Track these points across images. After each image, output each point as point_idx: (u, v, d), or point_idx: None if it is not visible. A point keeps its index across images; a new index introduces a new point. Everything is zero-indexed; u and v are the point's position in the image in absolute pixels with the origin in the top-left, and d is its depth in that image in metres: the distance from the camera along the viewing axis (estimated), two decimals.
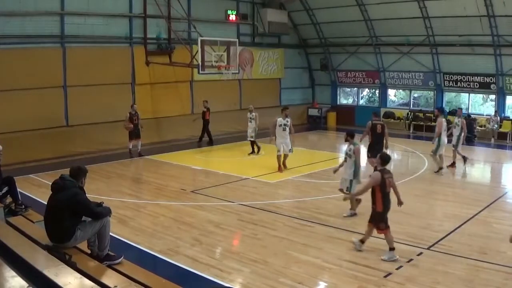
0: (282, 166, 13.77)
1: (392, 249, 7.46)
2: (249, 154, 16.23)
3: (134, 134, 15.75)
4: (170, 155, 16.45)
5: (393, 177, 7.73)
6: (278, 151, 13.65)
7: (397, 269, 7.04)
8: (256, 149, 16.32)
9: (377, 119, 13.02)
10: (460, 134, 13.99)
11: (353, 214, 9.56)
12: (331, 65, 25.02)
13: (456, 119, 14.31)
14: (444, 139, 13.46)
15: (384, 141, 12.31)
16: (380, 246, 7.95)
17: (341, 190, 9.84)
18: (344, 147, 10.00)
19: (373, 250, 7.79)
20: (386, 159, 7.77)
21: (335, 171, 10.23)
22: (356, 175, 9.57)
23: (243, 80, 22.50)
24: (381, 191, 7.46)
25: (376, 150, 11.54)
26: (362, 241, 7.77)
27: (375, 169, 8.66)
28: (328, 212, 10.01)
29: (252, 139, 16.20)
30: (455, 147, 14.11)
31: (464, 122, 14.31)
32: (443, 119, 13.64)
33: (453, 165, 14.21)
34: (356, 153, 9.37)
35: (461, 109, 15.70)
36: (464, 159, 14.25)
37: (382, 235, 7.58)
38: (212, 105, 18.55)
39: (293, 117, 24.33)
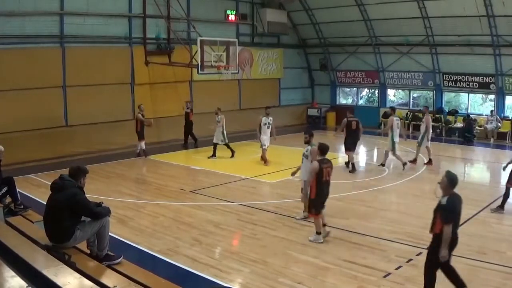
0: (268, 160, 14.59)
1: (318, 233, 8.12)
2: (208, 157, 15.63)
3: (143, 134, 15.77)
4: (169, 155, 16.45)
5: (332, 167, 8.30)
6: (264, 145, 14.54)
7: (396, 269, 7.04)
8: (230, 153, 15.76)
9: (351, 116, 14.27)
10: (425, 132, 14.45)
11: (306, 217, 9.24)
12: (330, 65, 25.03)
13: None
14: (396, 137, 13.90)
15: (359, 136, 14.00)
16: (379, 247, 7.96)
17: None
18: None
19: (372, 250, 7.80)
20: (324, 149, 8.20)
21: (293, 173, 10.11)
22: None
23: (243, 80, 22.50)
24: (317, 180, 7.95)
25: (350, 145, 13.85)
26: (319, 233, 8.18)
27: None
28: (327, 212, 9.96)
29: (221, 143, 15.60)
30: (419, 144, 14.59)
31: (430, 119, 14.83)
32: (394, 118, 14.07)
33: (414, 161, 14.61)
34: (313, 154, 8.97)
35: (426, 107, 16.38)
36: (414, 160, 14.56)
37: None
38: (212, 105, 18.50)
39: (293, 117, 24.54)
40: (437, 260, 5.66)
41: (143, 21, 18.14)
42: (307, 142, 9.45)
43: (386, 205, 10.49)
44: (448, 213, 5.60)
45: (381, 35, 22.20)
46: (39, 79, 15.17)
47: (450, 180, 5.71)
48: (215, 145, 15.75)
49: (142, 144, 15.86)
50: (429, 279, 5.85)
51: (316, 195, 8.03)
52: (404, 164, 13.76)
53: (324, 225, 8.35)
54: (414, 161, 14.60)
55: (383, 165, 14.28)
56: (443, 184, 5.74)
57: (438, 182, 5.83)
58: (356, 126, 13.91)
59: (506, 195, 9.97)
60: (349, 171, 13.77)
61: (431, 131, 14.80)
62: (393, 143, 13.82)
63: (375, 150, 17.09)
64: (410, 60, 22.07)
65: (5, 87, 14.37)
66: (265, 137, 14.64)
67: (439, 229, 5.63)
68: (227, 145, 15.76)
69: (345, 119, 14.19)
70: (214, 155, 15.73)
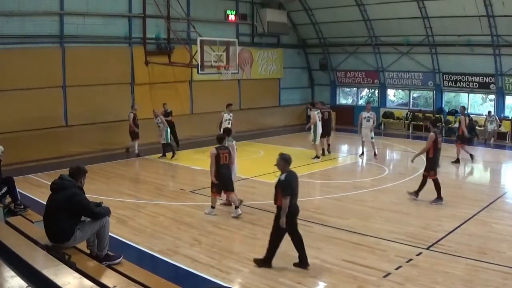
0: None
1: (213, 207, 9.67)
2: (159, 157, 15.91)
3: (136, 134, 15.84)
4: (169, 155, 16.42)
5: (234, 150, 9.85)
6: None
7: (396, 269, 7.04)
8: (170, 154, 15.84)
9: (324, 107, 16.45)
10: (371, 127, 15.85)
11: (239, 215, 9.63)
12: (330, 65, 25.02)
13: (367, 113, 16.06)
14: (319, 129, 15.39)
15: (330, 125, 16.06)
16: (379, 247, 7.96)
17: None
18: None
19: (372, 250, 7.79)
20: (219, 138, 9.74)
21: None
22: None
23: (243, 80, 22.50)
24: (216, 164, 9.38)
25: (325, 132, 15.87)
26: (213, 207, 9.70)
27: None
28: (327, 212, 10.02)
29: (164, 142, 15.79)
30: (371, 138, 15.93)
31: (375, 115, 16.23)
32: (315, 112, 15.48)
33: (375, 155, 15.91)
34: (231, 149, 9.98)
35: (369, 103, 17.95)
36: (366, 152, 16.05)
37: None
38: (212, 105, 18.54)
39: (293, 117, 24.54)
40: (279, 226, 6.82)
41: (143, 21, 18.14)
42: (222, 140, 10.25)
43: (386, 205, 10.48)
44: (285, 187, 6.68)
45: (381, 35, 22.20)
46: (39, 79, 15.18)
47: (285, 160, 6.88)
48: (164, 145, 15.86)
49: (134, 143, 15.93)
50: (274, 240, 7.03)
51: (216, 177, 9.42)
52: (317, 157, 15.35)
53: (241, 201, 9.85)
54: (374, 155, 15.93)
55: (362, 154, 16.02)
56: (279, 165, 6.93)
57: (275, 164, 6.94)
58: (328, 115, 16.13)
59: (422, 183, 10.73)
60: (320, 155, 15.59)
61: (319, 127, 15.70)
62: (315, 135, 15.30)
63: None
64: (410, 60, 22.07)
65: (5, 87, 14.37)
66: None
67: (280, 201, 6.75)
68: (168, 145, 15.88)
69: (318, 110, 15.75)
70: (164, 155, 15.88)
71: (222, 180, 9.48)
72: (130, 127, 15.73)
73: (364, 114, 16.13)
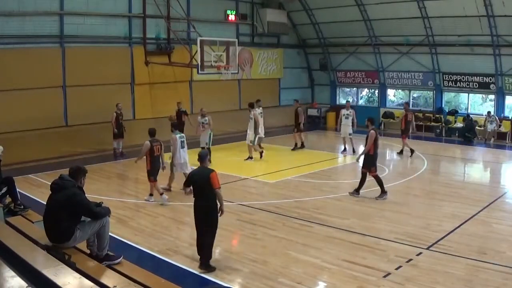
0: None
1: (151, 194, 10.70)
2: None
3: (119, 133, 15.89)
4: (169, 155, 16.39)
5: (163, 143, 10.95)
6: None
7: (396, 269, 7.04)
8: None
9: (299, 104, 18.10)
10: (351, 124, 16.65)
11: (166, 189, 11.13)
12: (330, 65, 25.02)
13: (346, 111, 16.83)
14: (260, 131, 15.75)
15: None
16: (379, 247, 7.96)
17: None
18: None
19: (372, 250, 7.79)
20: (150, 132, 10.85)
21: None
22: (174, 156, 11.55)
23: (243, 80, 22.50)
24: (150, 155, 10.53)
25: (297, 128, 17.54)
26: (151, 194, 10.73)
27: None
28: (327, 212, 10.02)
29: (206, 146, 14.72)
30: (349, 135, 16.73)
31: (354, 113, 16.97)
32: (256, 112, 15.74)
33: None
34: (173, 141, 11.49)
35: (348, 101, 18.61)
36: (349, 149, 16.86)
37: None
38: (212, 105, 18.51)
39: (293, 117, 24.42)
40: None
41: (143, 21, 18.13)
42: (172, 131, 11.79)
43: (386, 205, 10.48)
44: (187, 179, 7.59)
45: (381, 35, 22.19)
46: (39, 79, 15.16)
47: (199, 156, 7.43)
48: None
49: (116, 143, 15.98)
50: None
51: (151, 167, 10.54)
52: (250, 158, 15.37)
53: (168, 189, 11.17)
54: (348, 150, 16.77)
55: (352, 151, 16.60)
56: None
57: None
58: (302, 112, 17.61)
59: (362, 180, 11.02)
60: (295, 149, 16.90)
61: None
62: (255, 136, 15.45)
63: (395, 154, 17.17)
64: (410, 60, 22.06)
65: (5, 87, 14.35)
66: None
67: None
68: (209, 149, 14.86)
69: (299, 108, 17.63)
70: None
71: (155, 170, 10.60)
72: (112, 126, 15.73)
73: (343, 111, 16.95)
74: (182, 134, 12.00)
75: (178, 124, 15.86)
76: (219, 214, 7.12)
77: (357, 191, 11.06)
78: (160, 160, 10.79)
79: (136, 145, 16.09)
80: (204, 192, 7.10)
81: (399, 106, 24.08)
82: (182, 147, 11.71)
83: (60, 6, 15.74)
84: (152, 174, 10.61)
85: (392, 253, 7.64)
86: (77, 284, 4.30)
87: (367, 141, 10.90)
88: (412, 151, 16.06)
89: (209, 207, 7.10)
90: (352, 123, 16.77)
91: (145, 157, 10.62)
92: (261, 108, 16.32)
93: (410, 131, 17.06)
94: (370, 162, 10.93)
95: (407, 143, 16.33)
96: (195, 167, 8.09)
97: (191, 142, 13.83)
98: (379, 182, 10.88)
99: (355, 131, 16.84)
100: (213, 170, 7.21)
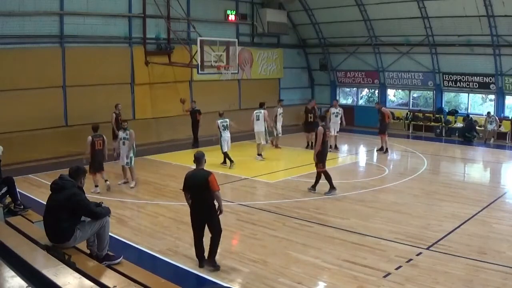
0: None
1: (96, 186, 11.32)
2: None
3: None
4: (169, 155, 16.44)
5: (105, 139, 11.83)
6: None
7: (396, 269, 7.04)
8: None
9: (280, 103, 18.11)
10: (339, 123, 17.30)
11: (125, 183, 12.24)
12: (330, 65, 25.01)
13: (335, 109, 17.44)
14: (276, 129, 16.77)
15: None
16: (379, 247, 7.96)
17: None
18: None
19: (372, 250, 7.79)
20: (93, 128, 11.91)
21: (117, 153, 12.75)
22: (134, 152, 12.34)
23: (242, 80, 22.49)
24: (91, 149, 11.41)
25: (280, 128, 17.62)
26: (96, 186, 11.37)
27: None
28: (327, 212, 10.02)
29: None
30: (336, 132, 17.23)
31: (342, 111, 17.53)
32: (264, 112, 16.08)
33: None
34: (131, 136, 12.21)
35: (336, 100, 19.79)
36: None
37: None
38: (212, 105, 18.52)
39: (292, 117, 24.51)
40: None
41: (143, 21, 18.13)
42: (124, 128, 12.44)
43: (386, 205, 10.48)
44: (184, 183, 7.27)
45: (381, 35, 22.18)
46: (39, 79, 15.17)
47: (195, 158, 7.40)
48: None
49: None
50: None
51: (91, 160, 11.37)
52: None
53: (106, 180, 11.59)
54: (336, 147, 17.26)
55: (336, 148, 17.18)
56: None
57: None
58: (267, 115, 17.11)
59: (317, 178, 11.29)
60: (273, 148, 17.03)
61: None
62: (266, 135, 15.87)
63: (374, 151, 17.11)
64: (410, 60, 22.05)
65: (4, 87, 14.36)
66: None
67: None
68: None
69: (280, 107, 17.74)
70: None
71: (95, 163, 11.36)
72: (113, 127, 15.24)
73: (332, 110, 17.51)
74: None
75: (192, 122, 16.16)
76: (218, 213, 7.08)
77: (313, 187, 11.38)
78: (103, 154, 11.73)
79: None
80: (202, 195, 7.02)
81: (399, 106, 24.13)
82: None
83: (60, 6, 15.74)
84: (92, 166, 11.30)
85: (392, 253, 7.64)
86: (77, 284, 4.30)
87: (316, 138, 11.18)
88: (386, 150, 16.56)
89: (208, 208, 7.05)
90: (341, 121, 17.33)
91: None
92: (281, 108, 17.50)
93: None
94: (319, 158, 11.15)
95: (384, 139, 16.63)
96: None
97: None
98: (328, 178, 11.13)
99: (341, 129, 17.78)
100: (210, 173, 7.10)
